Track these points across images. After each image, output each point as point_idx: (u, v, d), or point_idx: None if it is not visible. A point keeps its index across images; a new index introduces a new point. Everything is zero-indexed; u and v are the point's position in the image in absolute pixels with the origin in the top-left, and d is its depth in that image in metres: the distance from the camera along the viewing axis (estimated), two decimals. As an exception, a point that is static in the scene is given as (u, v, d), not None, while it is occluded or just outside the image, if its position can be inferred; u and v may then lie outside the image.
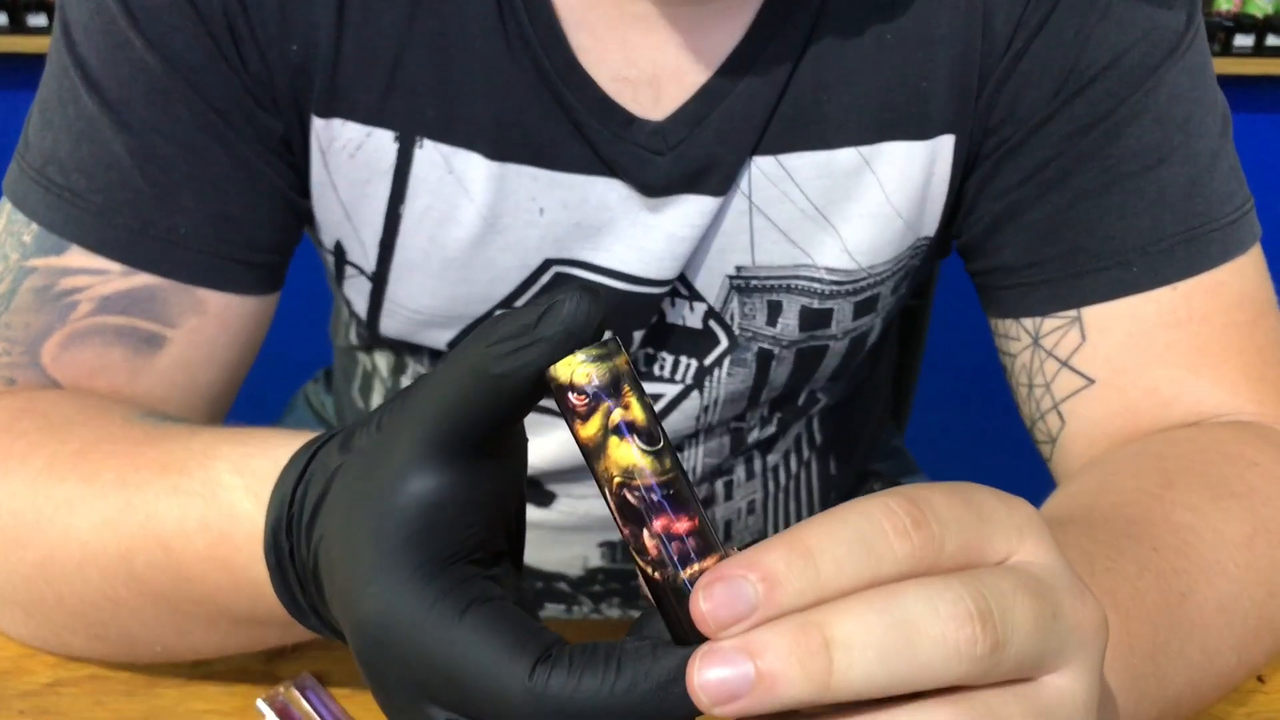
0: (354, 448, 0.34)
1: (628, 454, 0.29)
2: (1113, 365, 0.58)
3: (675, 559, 0.29)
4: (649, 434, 0.30)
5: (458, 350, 0.31)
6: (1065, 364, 0.59)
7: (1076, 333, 0.59)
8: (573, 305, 0.29)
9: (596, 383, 0.29)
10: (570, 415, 0.30)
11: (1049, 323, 0.60)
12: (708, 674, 0.27)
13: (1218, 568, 0.48)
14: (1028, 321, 0.61)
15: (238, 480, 0.42)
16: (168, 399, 0.58)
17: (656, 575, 0.30)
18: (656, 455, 0.29)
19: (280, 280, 0.61)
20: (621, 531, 0.30)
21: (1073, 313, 0.59)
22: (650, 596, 0.31)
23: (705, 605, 0.28)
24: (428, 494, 0.32)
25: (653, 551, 0.29)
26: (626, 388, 0.30)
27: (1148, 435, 0.57)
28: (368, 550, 0.32)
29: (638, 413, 0.29)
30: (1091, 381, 0.59)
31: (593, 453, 0.30)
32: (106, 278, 0.56)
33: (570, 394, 0.30)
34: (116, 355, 0.56)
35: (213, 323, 0.58)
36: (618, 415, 0.29)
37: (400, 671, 0.32)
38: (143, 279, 0.56)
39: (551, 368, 0.30)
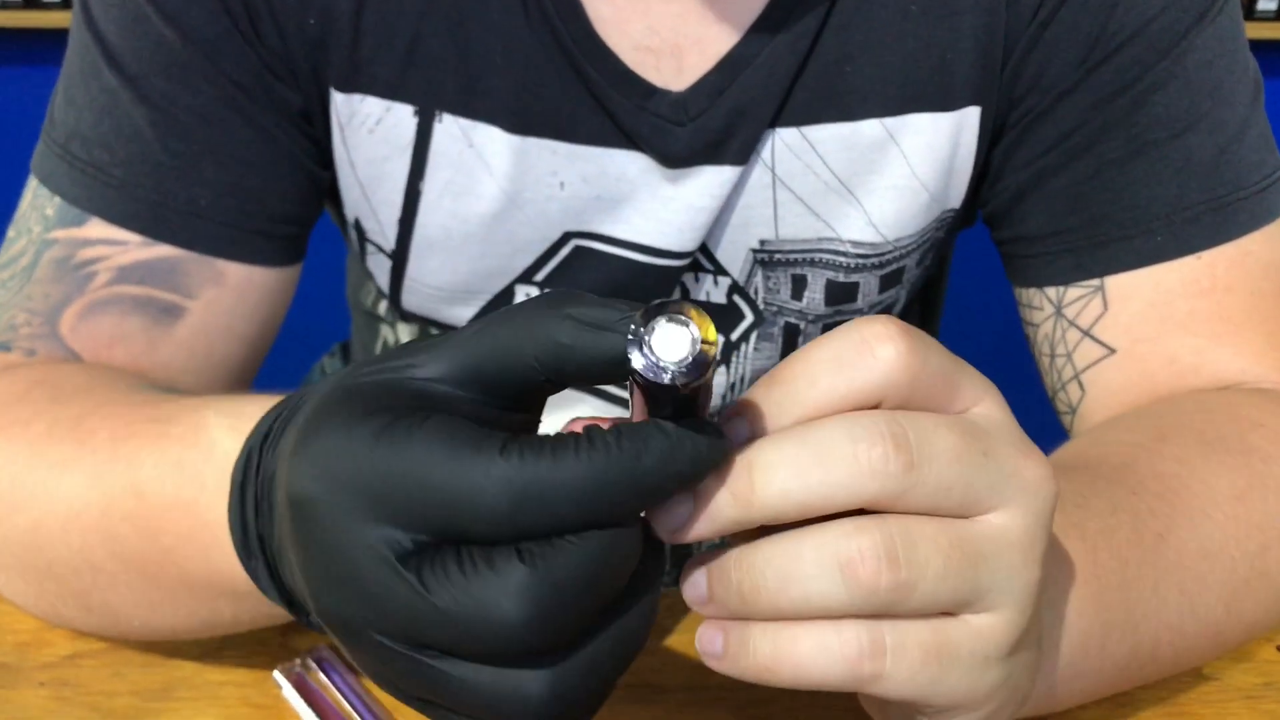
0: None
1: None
2: (1133, 334, 0.57)
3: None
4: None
5: (521, 306, 0.30)
6: (1087, 333, 0.59)
7: (1099, 302, 0.58)
8: (650, 313, 0.29)
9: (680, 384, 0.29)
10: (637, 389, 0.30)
11: (1072, 292, 0.59)
12: (663, 514, 0.31)
13: (1200, 514, 0.47)
14: (1051, 291, 0.60)
15: (223, 420, 0.42)
16: (186, 369, 0.58)
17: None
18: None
19: (301, 252, 0.61)
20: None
21: (1096, 282, 0.58)
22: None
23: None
24: (422, 384, 0.30)
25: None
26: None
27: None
28: (330, 406, 0.30)
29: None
30: (1112, 351, 0.58)
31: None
32: (125, 248, 0.56)
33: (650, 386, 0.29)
34: (134, 325, 0.56)
35: (231, 294, 0.58)
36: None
37: (350, 500, 0.29)
38: (162, 250, 0.56)
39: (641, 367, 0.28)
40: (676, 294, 0.63)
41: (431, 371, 0.30)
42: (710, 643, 0.33)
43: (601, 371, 0.29)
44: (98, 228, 0.56)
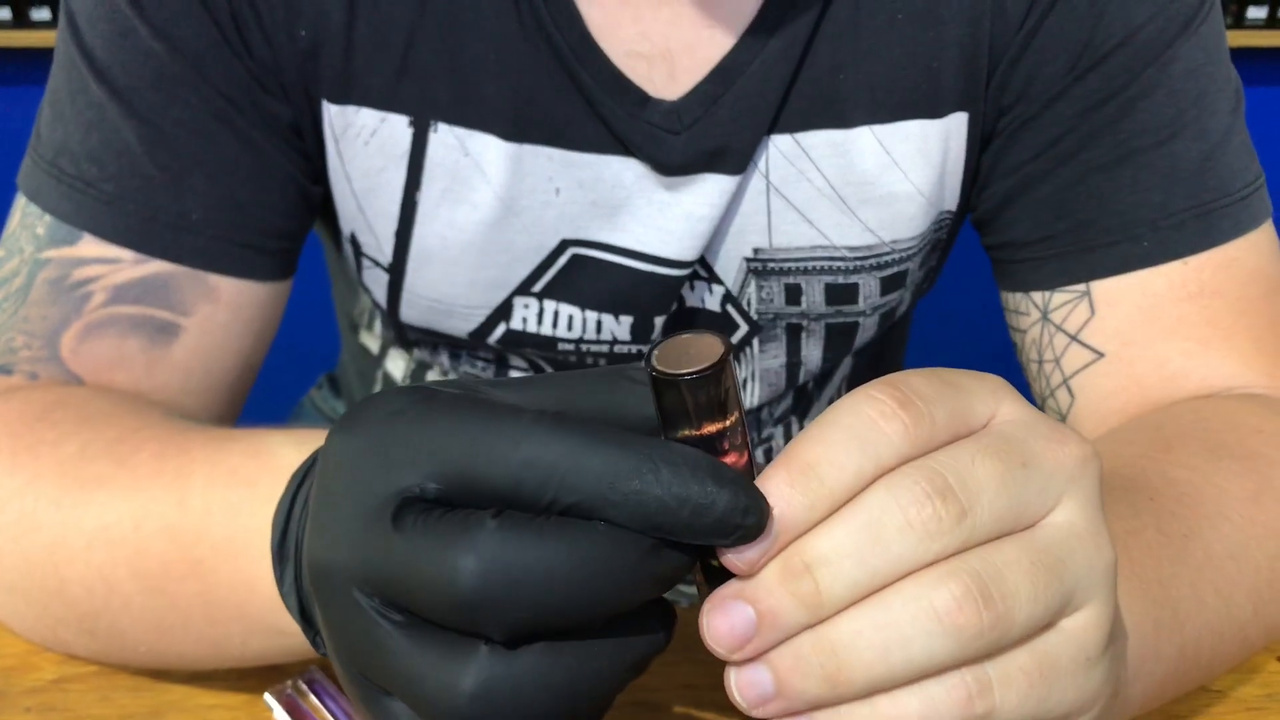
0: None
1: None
2: (1121, 338, 0.57)
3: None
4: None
5: (604, 426, 0.29)
6: (1075, 338, 0.59)
7: (1086, 307, 0.58)
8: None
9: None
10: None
11: (1058, 297, 0.59)
12: (716, 627, 0.29)
13: (1220, 517, 0.46)
14: (1037, 296, 0.60)
15: (288, 438, 0.42)
16: (186, 390, 0.58)
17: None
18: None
19: (293, 267, 0.61)
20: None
21: (1082, 287, 0.58)
22: None
23: (732, 555, 0.29)
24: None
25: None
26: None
27: (1155, 409, 0.56)
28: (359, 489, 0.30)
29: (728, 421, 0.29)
30: (1101, 355, 0.58)
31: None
32: (119, 266, 0.55)
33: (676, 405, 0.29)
34: (133, 346, 0.56)
35: (225, 310, 0.58)
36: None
37: (371, 454, 0.29)
38: (155, 266, 0.56)
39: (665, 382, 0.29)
40: (674, 306, 0.63)
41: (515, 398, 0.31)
42: (756, 689, 0.30)
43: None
44: (90, 246, 0.55)
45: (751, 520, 0.29)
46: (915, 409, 0.30)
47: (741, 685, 0.30)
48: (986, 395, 0.32)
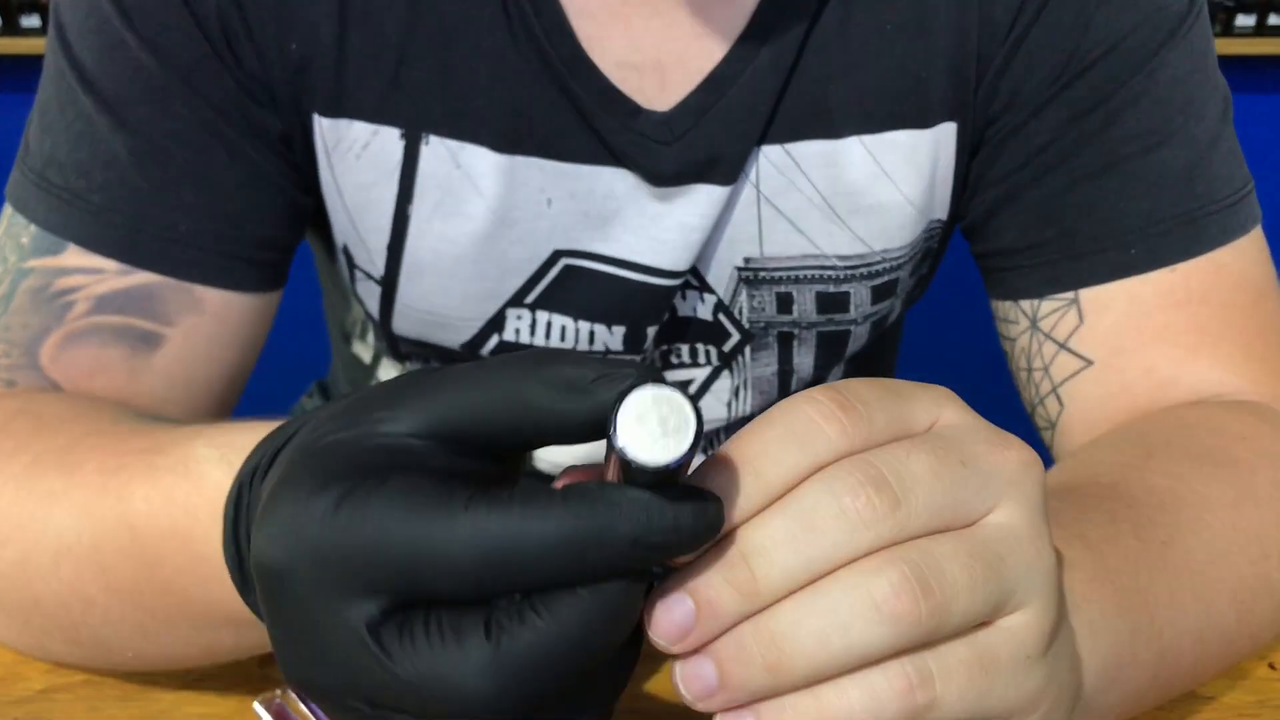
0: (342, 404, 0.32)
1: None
2: (1110, 345, 0.57)
3: None
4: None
5: (495, 363, 0.30)
6: (1063, 346, 0.59)
7: (1074, 314, 0.58)
8: (636, 379, 0.28)
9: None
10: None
11: (1046, 305, 0.59)
12: (658, 620, 0.30)
13: (1200, 522, 0.46)
14: (1026, 304, 0.60)
15: (213, 452, 0.41)
16: (168, 398, 0.57)
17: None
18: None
19: (282, 278, 0.61)
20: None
21: (1070, 294, 0.58)
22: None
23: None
24: (392, 442, 0.29)
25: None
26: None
27: (1143, 416, 0.57)
28: (297, 471, 0.29)
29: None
30: (1090, 363, 0.58)
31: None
32: (102, 277, 0.55)
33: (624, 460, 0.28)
34: (114, 354, 0.55)
35: (211, 321, 0.57)
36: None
37: (312, 570, 0.28)
38: (140, 277, 0.56)
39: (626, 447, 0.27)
40: (666, 316, 0.63)
41: (401, 426, 0.29)
42: (700, 681, 0.30)
43: (577, 437, 0.29)
44: (74, 256, 0.55)
45: (716, 528, 0.29)
46: (855, 411, 0.30)
47: (686, 678, 0.30)
48: (929, 402, 0.32)
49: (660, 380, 0.28)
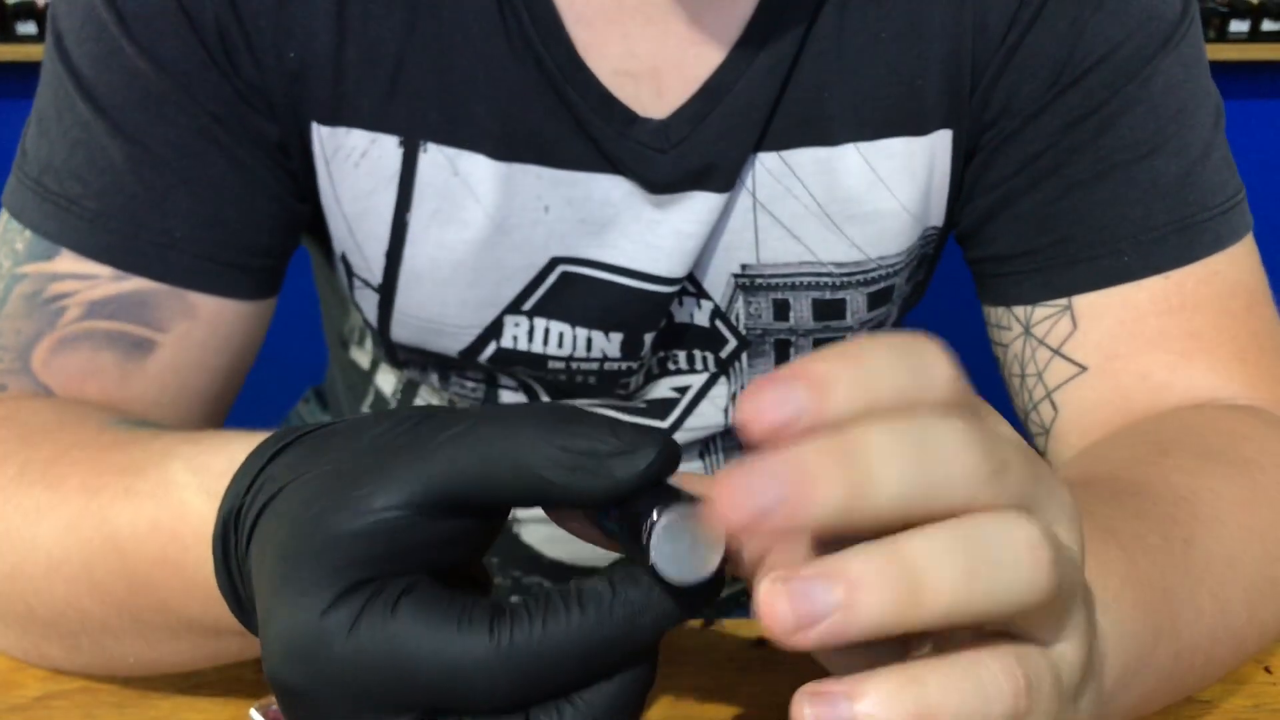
0: (330, 457, 0.32)
1: None
2: (1104, 351, 0.58)
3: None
4: None
5: (502, 421, 0.29)
6: (1057, 352, 0.59)
7: (1068, 321, 0.58)
8: (657, 461, 0.28)
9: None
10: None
11: (1040, 311, 0.59)
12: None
13: (1217, 522, 0.47)
14: (1019, 310, 0.60)
15: (191, 478, 0.41)
16: (160, 404, 0.57)
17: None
18: None
19: (277, 286, 0.61)
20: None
21: (1063, 301, 0.59)
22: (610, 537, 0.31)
23: (749, 407, 0.26)
24: (388, 521, 0.29)
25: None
26: None
27: (1139, 421, 0.57)
28: (298, 565, 0.29)
29: None
30: (1084, 369, 0.58)
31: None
32: (95, 282, 0.55)
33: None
34: (106, 360, 0.55)
35: (204, 327, 0.57)
36: None
37: (333, 691, 0.29)
38: (133, 283, 0.56)
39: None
40: (663, 323, 0.63)
41: (394, 498, 0.29)
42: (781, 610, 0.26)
43: (590, 507, 0.29)
44: (68, 261, 0.55)
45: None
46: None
47: (798, 595, 0.26)
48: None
49: (677, 457, 0.28)
